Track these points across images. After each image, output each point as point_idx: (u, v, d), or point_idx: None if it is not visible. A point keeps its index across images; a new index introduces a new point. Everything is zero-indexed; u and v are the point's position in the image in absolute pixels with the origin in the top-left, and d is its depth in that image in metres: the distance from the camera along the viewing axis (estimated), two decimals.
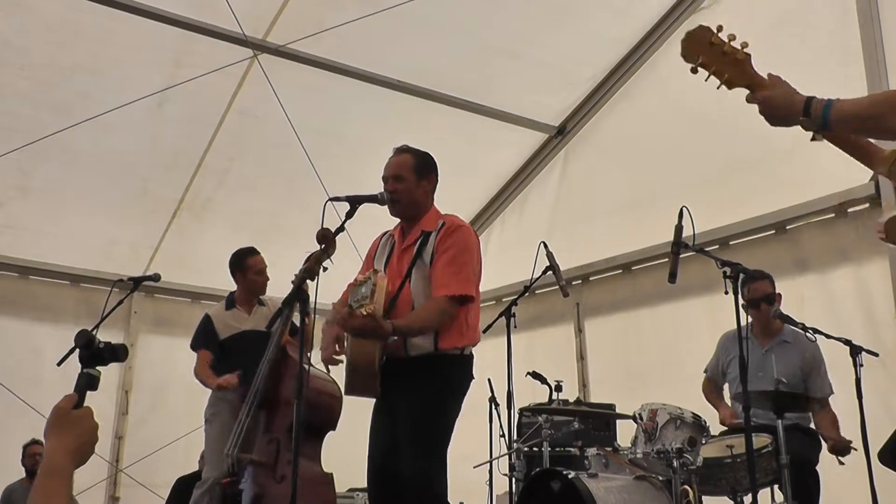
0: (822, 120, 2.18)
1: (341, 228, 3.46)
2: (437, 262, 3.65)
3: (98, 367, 1.78)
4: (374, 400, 3.80)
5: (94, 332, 1.76)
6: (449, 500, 3.57)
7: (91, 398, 1.71)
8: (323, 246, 3.80)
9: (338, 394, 4.25)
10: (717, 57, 2.37)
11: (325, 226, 3.38)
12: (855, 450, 4.36)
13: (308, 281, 4.39)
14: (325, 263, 4.01)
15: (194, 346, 5.47)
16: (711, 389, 5.15)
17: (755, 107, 2.28)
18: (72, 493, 1.57)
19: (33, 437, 6.45)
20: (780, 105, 2.25)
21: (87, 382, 1.75)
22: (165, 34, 5.93)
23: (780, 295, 4.86)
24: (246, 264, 5.50)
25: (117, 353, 1.79)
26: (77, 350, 1.77)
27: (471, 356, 3.76)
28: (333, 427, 4.34)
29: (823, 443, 4.58)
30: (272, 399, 4.46)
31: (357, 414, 4.11)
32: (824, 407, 4.67)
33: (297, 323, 3.52)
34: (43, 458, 1.60)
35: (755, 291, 4.77)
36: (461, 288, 3.60)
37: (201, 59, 6.12)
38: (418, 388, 3.56)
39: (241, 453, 4.50)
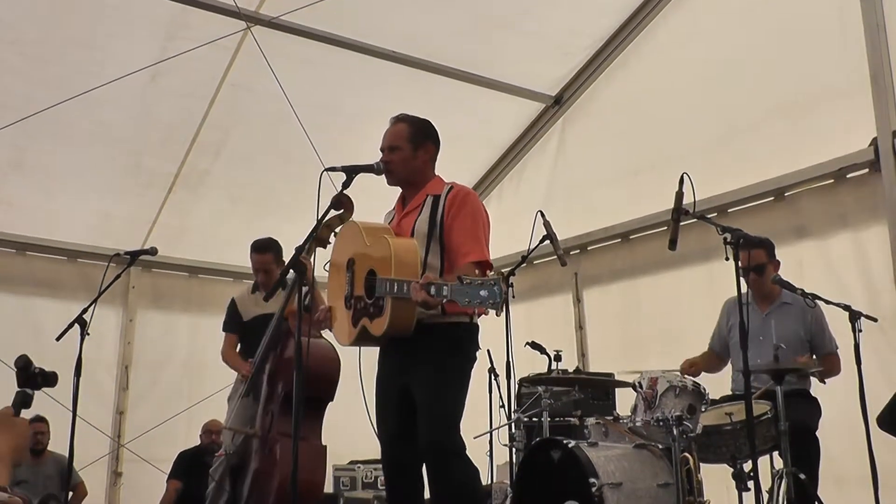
0: None
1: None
2: (454, 226, 3.59)
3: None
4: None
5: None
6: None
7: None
8: (341, 211, 3.74)
9: (337, 359, 4.21)
10: None
11: (320, 194, 3.33)
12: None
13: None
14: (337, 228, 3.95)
15: (223, 329, 5.62)
16: (711, 361, 5.04)
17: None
18: (9, 480, 1.89)
19: (37, 414, 6.31)
20: None
21: (22, 400, 2.07)
22: (158, 7, 5.86)
23: (778, 262, 4.85)
24: None
25: (48, 380, 2.11)
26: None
27: (478, 325, 3.73)
28: (332, 398, 4.28)
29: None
30: (274, 371, 4.49)
31: (359, 385, 4.08)
32: (830, 356, 4.68)
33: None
34: None
35: (745, 259, 4.74)
36: (483, 254, 3.56)
37: (194, 32, 6.05)
38: (429, 359, 3.51)
39: (238, 426, 4.53)
